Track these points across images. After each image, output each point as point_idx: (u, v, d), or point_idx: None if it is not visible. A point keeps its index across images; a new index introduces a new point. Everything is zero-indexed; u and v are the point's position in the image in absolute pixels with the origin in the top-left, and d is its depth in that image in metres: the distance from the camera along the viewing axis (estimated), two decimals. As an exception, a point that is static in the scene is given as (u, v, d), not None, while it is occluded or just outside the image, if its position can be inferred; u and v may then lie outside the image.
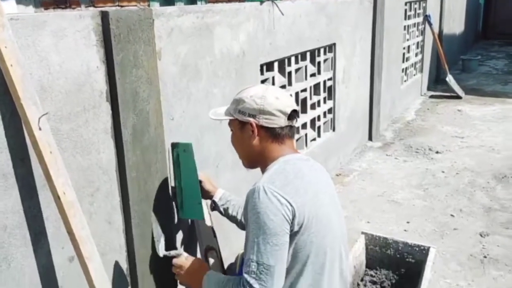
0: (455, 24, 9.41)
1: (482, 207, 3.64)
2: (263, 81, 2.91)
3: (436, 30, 7.43)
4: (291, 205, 1.45)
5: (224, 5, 2.42)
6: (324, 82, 3.95)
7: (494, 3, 13.74)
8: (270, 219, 1.42)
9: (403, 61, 6.25)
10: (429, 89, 7.70)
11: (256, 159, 1.66)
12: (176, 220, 2.09)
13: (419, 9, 6.70)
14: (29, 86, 1.33)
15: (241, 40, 2.56)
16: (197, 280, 1.65)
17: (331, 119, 4.18)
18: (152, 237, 1.88)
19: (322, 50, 3.83)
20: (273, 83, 3.06)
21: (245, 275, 1.44)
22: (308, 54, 3.60)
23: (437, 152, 4.82)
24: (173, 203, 2.04)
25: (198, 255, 2.11)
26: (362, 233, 2.76)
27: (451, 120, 6.00)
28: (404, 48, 6.22)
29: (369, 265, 2.74)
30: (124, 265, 1.86)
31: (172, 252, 1.77)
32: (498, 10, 13.67)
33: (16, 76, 1.29)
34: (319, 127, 3.96)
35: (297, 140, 3.57)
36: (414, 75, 7.02)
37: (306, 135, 3.70)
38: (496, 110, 6.42)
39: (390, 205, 3.72)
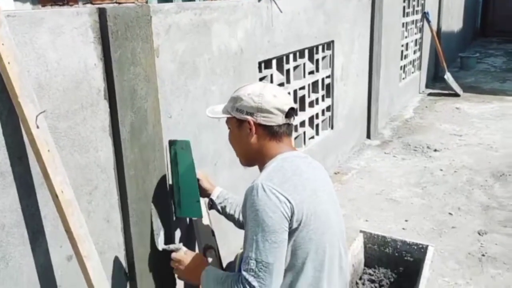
0: (454, 22, 9.41)
1: (480, 205, 3.64)
2: (261, 79, 2.91)
3: (435, 28, 7.43)
4: (289, 202, 1.45)
5: (222, 2, 2.41)
6: (323, 79, 3.95)
7: (493, 1, 13.74)
8: (268, 217, 1.42)
9: (401, 59, 6.25)
10: (427, 86, 7.71)
11: (254, 157, 1.66)
12: (174, 219, 2.08)
13: (418, 6, 6.70)
14: (27, 84, 1.33)
15: (239, 37, 2.55)
16: (195, 275, 1.65)
17: (329, 117, 4.17)
18: (151, 235, 1.88)
19: (320, 48, 3.82)
20: (271, 81, 3.05)
21: (244, 273, 1.44)
22: (306, 52, 3.60)
23: (435, 150, 4.82)
24: (171, 201, 2.04)
25: (197, 253, 2.11)
26: (361, 231, 2.76)
27: (449, 118, 6.01)
28: (402, 46, 6.22)
29: (367, 264, 2.75)
30: (123, 264, 1.86)
31: (171, 246, 1.76)
32: (497, 7, 13.67)
33: (13, 74, 1.28)
34: (317, 125, 3.96)
35: (295, 138, 3.57)
36: (413, 72, 7.02)
37: (304, 133, 3.69)
38: (494, 108, 6.43)
39: (389, 203, 3.72)
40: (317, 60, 3.81)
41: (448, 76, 7.14)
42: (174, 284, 2.03)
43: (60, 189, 1.39)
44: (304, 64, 3.55)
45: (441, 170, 4.33)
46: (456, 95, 7.09)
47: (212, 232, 2.07)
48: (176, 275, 1.79)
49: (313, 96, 3.81)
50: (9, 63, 1.28)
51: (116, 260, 1.82)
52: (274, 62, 3.09)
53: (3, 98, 1.33)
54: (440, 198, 3.78)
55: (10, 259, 1.41)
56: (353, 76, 4.56)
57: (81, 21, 1.56)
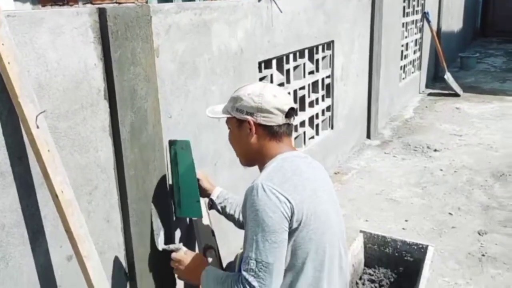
0: (454, 22, 9.41)
1: (480, 205, 3.64)
2: (261, 79, 2.91)
3: (435, 28, 7.43)
4: (289, 202, 1.45)
5: (222, 2, 2.41)
6: (323, 79, 3.95)
7: (493, 1, 13.74)
8: (268, 217, 1.42)
9: (401, 59, 6.25)
10: (427, 86, 7.71)
11: (253, 157, 1.66)
12: (174, 219, 2.08)
13: (418, 6, 6.70)
14: (27, 84, 1.33)
15: (239, 37, 2.55)
16: (195, 275, 1.65)
17: (329, 117, 4.17)
18: (151, 235, 1.88)
19: (320, 48, 3.82)
20: (271, 81, 3.05)
21: (244, 273, 1.44)
22: (306, 52, 3.59)
23: (435, 150, 4.82)
24: (171, 201, 2.04)
25: (197, 253, 2.11)
26: (361, 231, 2.76)
27: (449, 118, 6.00)
28: (402, 46, 6.22)
29: (367, 264, 2.75)
30: (123, 264, 1.86)
31: (171, 246, 1.76)
32: (497, 7, 13.67)
33: (13, 74, 1.28)
34: (317, 125, 3.96)
35: (295, 138, 3.57)
36: (413, 72, 7.02)
37: (304, 133, 3.69)
38: (494, 108, 6.43)
39: (389, 204, 3.72)
40: (317, 60, 3.81)
41: (448, 76, 7.14)
42: (174, 284, 2.03)
43: (60, 189, 1.39)
44: (304, 64, 3.55)
45: (441, 170, 4.33)
46: (456, 95, 7.09)
47: (212, 232, 2.07)
48: (176, 275, 1.79)
49: (313, 96, 3.81)
50: (9, 63, 1.27)
51: (116, 260, 1.82)
52: (274, 62, 3.09)
53: (3, 98, 1.33)
54: (440, 198, 3.78)
55: (10, 259, 1.41)
56: (353, 76, 4.56)
57: (81, 21, 1.56)
